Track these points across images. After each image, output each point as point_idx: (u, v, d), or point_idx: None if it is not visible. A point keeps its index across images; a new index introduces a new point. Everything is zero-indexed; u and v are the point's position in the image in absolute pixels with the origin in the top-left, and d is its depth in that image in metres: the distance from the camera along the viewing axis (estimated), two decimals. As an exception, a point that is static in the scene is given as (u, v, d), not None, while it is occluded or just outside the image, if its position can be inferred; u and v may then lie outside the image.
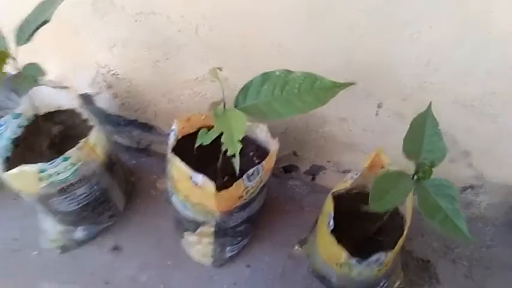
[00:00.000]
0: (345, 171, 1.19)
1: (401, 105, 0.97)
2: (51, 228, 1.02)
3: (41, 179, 0.82)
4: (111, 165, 0.98)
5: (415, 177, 0.71)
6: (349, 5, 0.79)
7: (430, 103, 0.74)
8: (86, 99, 1.19)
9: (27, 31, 0.71)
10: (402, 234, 0.85)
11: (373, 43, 0.85)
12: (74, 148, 0.83)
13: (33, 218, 1.07)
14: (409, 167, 0.73)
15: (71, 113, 0.99)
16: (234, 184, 0.79)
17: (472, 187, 1.14)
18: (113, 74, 1.11)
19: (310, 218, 1.12)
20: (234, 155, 0.61)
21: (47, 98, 1.00)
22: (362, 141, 1.10)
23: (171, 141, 0.88)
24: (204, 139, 0.73)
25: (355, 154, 1.13)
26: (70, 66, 1.13)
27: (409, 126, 0.73)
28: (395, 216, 0.91)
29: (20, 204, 1.10)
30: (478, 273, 1.08)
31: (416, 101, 0.94)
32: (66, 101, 0.99)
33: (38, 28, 0.70)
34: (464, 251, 1.12)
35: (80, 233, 1.03)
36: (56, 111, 1.00)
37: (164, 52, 1.02)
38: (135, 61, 1.06)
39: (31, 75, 0.71)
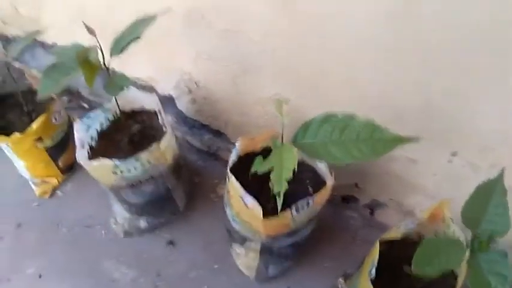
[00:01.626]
0: (407, 213, 1.14)
1: (478, 157, 0.90)
2: (119, 214, 1.14)
3: (114, 173, 0.92)
4: (178, 168, 1.06)
5: (470, 246, 0.66)
6: (430, 39, 0.74)
7: (503, 170, 0.68)
8: (169, 100, 1.29)
9: (121, 45, 0.79)
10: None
11: (454, 85, 0.79)
12: (145, 151, 0.91)
13: (107, 200, 1.20)
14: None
15: (151, 114, 1.09)
16: (279, 214, 0.81)
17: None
18: (194, 81, 1.19)
19: (360, 252, 1.10)
20: (279, 193, 0.63)
21: (132, 97, 1.11)
22: (429, 186, 1.04)
23: (232, 158, 0.92)
24: (259, 168, 0.76)
25: (420, 197, 1.08)
26: (158, 69, 1.24)
27: (475, 188, 0.68)
28: (447, 273, 0.85)
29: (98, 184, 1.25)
30: None
31: (496, 155, 0.87)
32: (149, 102, 1.09)
33: (130, 43, 0.79)
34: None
35: (142, 223, 1.13)
36: (138, 111, 1.10)
37: (243, 69, 1.06)
38: (215, 73, 1.12)
39: (119, 84, 0.79)
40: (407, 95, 0.85)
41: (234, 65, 1.07)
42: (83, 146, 0.96)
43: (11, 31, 1.39)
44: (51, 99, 1.13)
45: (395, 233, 0.85)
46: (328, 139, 0.70)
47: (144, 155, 0.91)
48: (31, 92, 1.16)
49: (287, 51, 0.94)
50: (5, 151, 1.13)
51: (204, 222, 1.20)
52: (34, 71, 1.51)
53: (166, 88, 1.27)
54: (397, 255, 0.84)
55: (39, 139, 1.09)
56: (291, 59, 0.95)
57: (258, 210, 0.81)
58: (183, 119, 1.32)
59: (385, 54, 0.81)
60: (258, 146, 1.00)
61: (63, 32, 1.28)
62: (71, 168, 1.27)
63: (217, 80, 1.14)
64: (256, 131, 1.21)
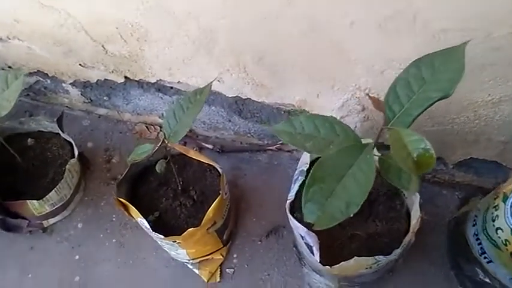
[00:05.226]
0: None
1: None
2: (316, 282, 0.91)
3: (369, 268, 0.68)
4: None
5: None
6: None
7: None
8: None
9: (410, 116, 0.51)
10: None
11: None
12: (407, 235, 0.66)
13: (282, 269, 0.99)
14: None
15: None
16: None
17: None
18: (373, 96, 0.91)
19: None
20: None
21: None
22: None
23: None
24: None
25: None
26: (316, 90, 0.94)
27: None
28: None
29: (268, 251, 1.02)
30: None
31: None
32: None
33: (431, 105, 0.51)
34: None
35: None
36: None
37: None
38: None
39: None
40: None
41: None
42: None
43: (93, 74, 1.07)
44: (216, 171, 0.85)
45: None
46: None
47: (407, 239, 0.66)
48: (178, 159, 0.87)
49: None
50: (160, 242, 0.88)
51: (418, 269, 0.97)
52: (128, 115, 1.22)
53: (323, 110, 0.98)
54: None
55: (213, 224, 0.82)
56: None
57: None
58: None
59: None
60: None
61: (178, 65, 0.96)
62: (231, 236, 1.00)
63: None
64: (460, 140, 0.95)
